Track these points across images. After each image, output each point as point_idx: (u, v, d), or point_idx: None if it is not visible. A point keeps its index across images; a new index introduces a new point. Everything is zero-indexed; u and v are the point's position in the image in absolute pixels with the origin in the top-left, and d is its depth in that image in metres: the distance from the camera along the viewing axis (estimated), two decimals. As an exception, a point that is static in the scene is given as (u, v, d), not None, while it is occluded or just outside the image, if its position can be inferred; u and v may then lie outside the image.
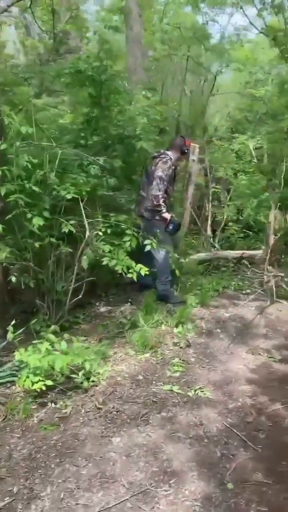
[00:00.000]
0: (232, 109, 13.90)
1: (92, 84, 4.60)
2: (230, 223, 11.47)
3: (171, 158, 4.89)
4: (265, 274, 5.86)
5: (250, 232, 10.16)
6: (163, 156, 4.89)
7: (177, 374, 3.56)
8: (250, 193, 10.29)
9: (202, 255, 6.71)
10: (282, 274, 5.75)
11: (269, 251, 6.36)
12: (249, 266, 6.77)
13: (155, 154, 4.98)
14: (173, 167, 4.94)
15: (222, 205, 12.11)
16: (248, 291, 5.81)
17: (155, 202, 4.72)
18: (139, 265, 3.78)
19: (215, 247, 7.44)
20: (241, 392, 3.38)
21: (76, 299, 4.06)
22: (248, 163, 9.91)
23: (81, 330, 4.29)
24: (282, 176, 8.65)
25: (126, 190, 5.14)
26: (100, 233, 3.98)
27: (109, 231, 4.02)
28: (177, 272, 4.66)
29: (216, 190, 11.41)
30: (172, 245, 5.07)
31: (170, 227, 4.59)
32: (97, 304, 4.97)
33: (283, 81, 7.28)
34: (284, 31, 6.93)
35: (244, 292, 5.82)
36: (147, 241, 4.00)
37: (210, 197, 11.28)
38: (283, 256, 7.02)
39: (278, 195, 8.25)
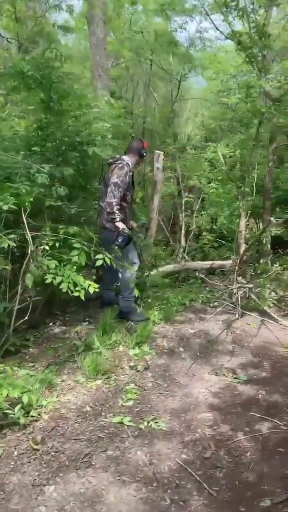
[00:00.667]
0: (205, 118, 13.76)
1: (40, 86, 4.24)
2: (204, 233, 11.22)
3: (128, 164, 4.54)
4: (231, 287, 5.52)
5: (224, 242, 9.91)
6: (119, 162, 4.54)
7: (130, 403, 3.18)
8: (222, 202, 10.07)
9: (170, 267, 6.38)
10: (251, 285, 5.43)
11: (238, 260, 6.04)
12: (205, 279, 6.45)
13: (111, 160, 4.64)
14: (131, 173, 4.59)
15: (195, 215, 11.89)
16: (216, 303, 5.49)
17: (108, 209, 4.35)
18: (87, 282, 3.41)
19: (185, 258, 7.10)
20: (200, 421, 3.02)
21: (22, 320, 3.66)
22: (220, 171, 9.68)
23: (29, 355, 3.89)
24: (254, 184, 8.44)
25: (81, 200, 4.77)
26: (47, 247, 3.61)
27: (57, 244, 3.65)
28: (136, 292, 4.28)
29: (189, 199, 11.17)
30: (138, 258, 4.74)
31: (119, 240, 4.20)
32: (51, 324, 4.56)
33: (248, 86, 7.03)
34: (249, 35, 6.69)
35: (212, 305, 5.50)
36: (98, 256, 3.64)
37: (183, 206, 11.03)
38: (255, 265, 6.74)
39: (248, 203, 8.03)
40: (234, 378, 3.67)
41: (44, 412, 3.00)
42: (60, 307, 4.85)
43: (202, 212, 11.49)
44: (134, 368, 3.68)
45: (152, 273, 5.67)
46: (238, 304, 5.11)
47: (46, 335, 4.32)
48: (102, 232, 4.54)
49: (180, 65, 9.36)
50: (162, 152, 6.40)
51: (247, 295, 5.57)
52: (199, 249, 10.20)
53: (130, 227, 4.83)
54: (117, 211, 4.34)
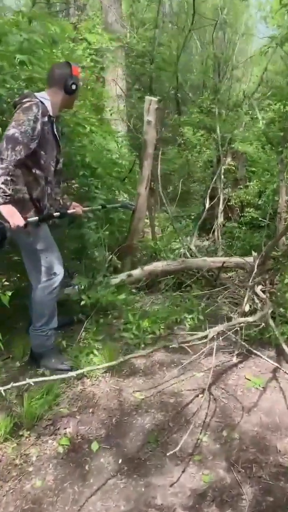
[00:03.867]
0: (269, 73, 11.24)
1: None
2: (248, 209, 9.00)
3: (39, 103, 2.54)
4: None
5: (266, 221, 7.62)
6: (26, 100, 2.54)
7: None
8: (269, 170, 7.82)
9: (159, 266, 4.36)
10: (268, 309, 3.30)
11: (260, 259, 3.90)
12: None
13: (17, 99, 2.65)
14: (47, 119, 2.59)
15: (240, 186, 9.67)
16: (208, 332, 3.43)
17: None
18: None
19: (190, 250, 5.00)
20: None
21: None
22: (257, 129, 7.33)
23: None
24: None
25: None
26: None
27: None
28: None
29: (230, 167, 8.98)
30: (61, 264, 2.80)
31: None
32: None
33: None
34: None
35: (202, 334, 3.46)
36: None
37: (222, 176, 8.84)
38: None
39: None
40: None
41: None
42: None
43: (248, 184, 9.23)
44: None
45: (112, 280, 3.71)
46: (241, 338, 3.07)
47: None
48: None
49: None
50: (155, 99, 4.30)
51: (265, 320, 3.48)
52: (236, 231, 8.01)
53: (59, 212, 2.87)
54: (3, 186, 2.38)
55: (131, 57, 6.15)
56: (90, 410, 2.47)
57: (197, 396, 2.67)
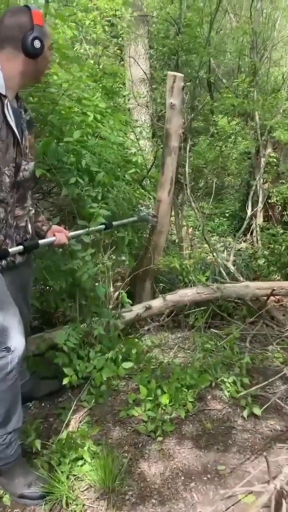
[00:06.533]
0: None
1: None
2: (291, 209, 7.69)
3: None
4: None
5: None
6: None
7: None
8: None
9: (188, 293, 3.21)
10: None
11: None
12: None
13: None
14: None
15: (281, 181, 8.39)
16: (258, 408, 2.27)
17: None
18: None
19: (228, 269, 3.81)
20: None
21: None
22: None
23: None
24: None
25: None
26: None
27: None
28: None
29: (271, 160, 7.76)
30: (21, 331, 1.68)
31: None
32: None
33: None
34: None
35: (247, 412, 2.29)
36: None
37: (262, 169, 7.62)
38: None
39: None
40: None
41: None
42: None
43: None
44: None
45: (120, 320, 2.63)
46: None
47: None
48: None
49: None
50: (181, 75, 3.13)
51: None
52: (280, 237, 6.73)
53: (22, 244, 1.78)
54: None
55: (154, 28, 4.97)
56: None
57: None
